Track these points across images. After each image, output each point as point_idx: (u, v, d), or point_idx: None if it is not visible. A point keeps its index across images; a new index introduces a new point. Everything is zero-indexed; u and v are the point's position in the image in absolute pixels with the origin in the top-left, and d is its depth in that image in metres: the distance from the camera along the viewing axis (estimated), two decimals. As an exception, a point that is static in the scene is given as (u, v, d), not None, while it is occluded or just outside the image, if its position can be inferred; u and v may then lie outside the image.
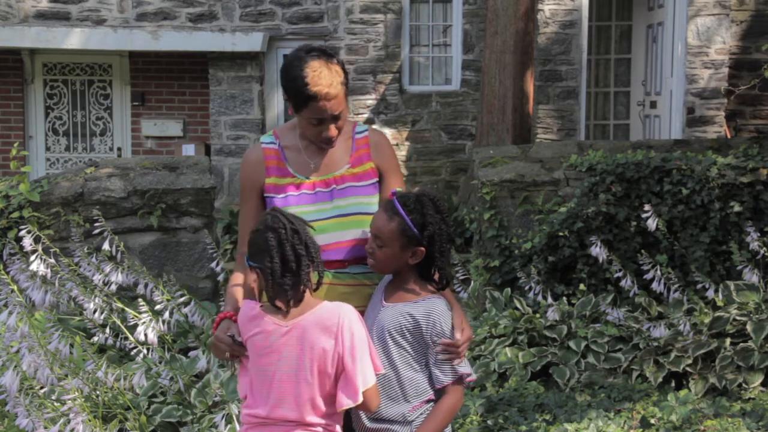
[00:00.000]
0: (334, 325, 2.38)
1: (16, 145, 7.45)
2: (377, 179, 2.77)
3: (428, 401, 2.55)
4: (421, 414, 2.53)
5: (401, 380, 2.52)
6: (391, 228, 2.52)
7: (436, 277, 2.62)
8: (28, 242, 4.58)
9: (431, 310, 2.53)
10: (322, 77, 2.58)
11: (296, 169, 2.73)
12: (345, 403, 2.38)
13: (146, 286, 4.60)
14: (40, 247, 4.53)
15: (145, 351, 4.30)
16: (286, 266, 2.37)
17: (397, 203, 2.55)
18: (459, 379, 2.55)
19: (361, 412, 2.51)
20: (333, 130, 2.66)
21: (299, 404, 2.39)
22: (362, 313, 2.59)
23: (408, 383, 2.52)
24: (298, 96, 2.61)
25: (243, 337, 2.47)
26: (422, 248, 2.54)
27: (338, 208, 2.68)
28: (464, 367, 2.55)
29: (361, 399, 2.38)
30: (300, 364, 2.38)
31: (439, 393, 2.56)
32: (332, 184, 2.71)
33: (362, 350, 2.40)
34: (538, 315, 5.36)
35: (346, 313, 2.41)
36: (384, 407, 2.51)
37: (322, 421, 2.42)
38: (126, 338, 4.45)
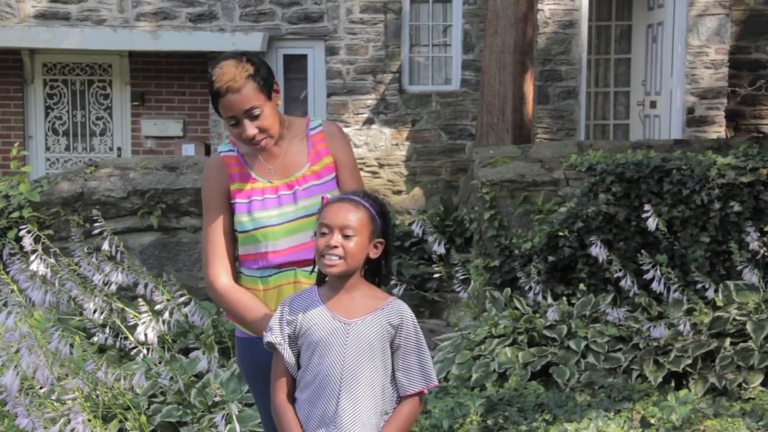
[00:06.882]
0: None
1: (16, 145, 7.45)
2: (336, 173, 2.75)
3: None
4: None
5: (385, 393, 2.37)
6: (360, 215, 2.35)
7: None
8: (28, 242, 4.58)
9: (402, 311, 2.38)
10: (226, 73, 2.59)
11: (258, 174, 2.72)
12: None
13: (146, 286, 4.60)
14: (40, 247, 4.53)
15: (145, 351, 4.30)
16: None
17: (354, 196, 2.40)
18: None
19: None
20: (250, 129, 2.61)
21: None
22: None
23: (388, 394, 2.39)
24: (211, 97, 2.64)
25: None
26: (382, 240, 2.39)
27: (304, 209, 2.67)
28: (431, 377, 2.38)
29: None
30: None
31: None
32: (295, 186, 2.70)
33: None
34: (538, 315, 5.36)
35: None
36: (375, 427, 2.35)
37: None
38: (126, 338, 4.46)
